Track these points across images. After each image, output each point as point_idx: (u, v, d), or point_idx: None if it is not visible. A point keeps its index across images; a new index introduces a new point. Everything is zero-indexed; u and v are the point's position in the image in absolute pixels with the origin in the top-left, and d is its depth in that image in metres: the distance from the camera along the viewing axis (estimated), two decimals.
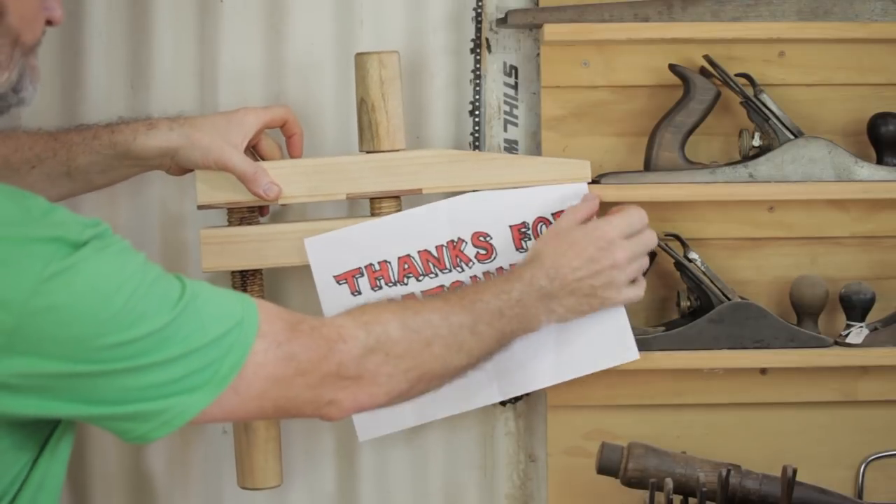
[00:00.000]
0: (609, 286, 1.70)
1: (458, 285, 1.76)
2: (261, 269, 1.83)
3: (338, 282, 1.79)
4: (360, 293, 1.78)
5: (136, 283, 1.31)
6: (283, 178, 1.78)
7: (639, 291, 1.75)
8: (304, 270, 1.81)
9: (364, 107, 1.79)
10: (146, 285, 1.32)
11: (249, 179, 1.75)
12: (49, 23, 1.38)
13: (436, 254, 1.80)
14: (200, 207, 1.80)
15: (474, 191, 1.85)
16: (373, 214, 1.81)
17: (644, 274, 1.76)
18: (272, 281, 1.91)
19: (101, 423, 1.36)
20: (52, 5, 1.38)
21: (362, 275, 1.79)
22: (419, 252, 1.79)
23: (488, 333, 1.60)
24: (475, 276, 1.79)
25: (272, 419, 1.81)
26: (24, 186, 1.67)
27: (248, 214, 1.82)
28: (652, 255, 1.85)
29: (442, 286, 1.79)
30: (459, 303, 1.58)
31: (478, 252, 1.79)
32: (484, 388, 1.81)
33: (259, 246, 1.80)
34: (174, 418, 1.34)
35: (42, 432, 1.38)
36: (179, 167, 1.77)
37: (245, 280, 1.82)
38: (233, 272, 1.83)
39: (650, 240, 1.74)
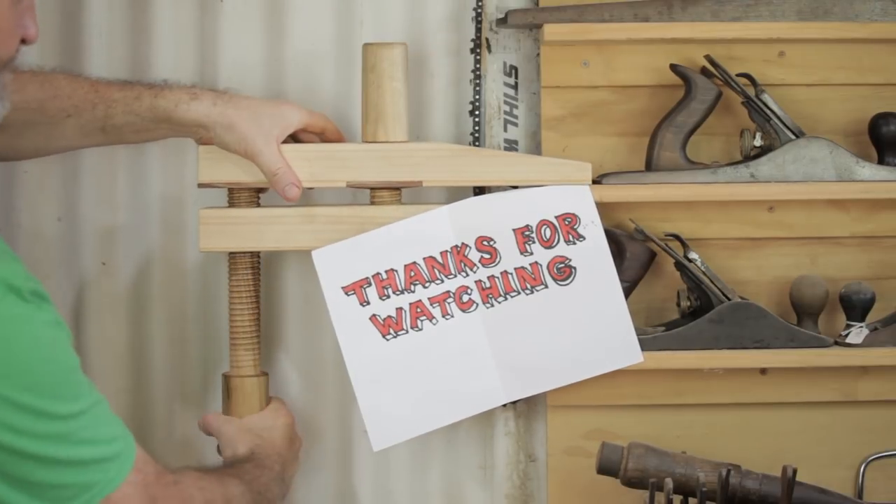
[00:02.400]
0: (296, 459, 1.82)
1: None
2: (258, 252, 1.84)
3: (346, 293, 1.78)
4: (368, 303, 1.78)
5: (64, 359, 1.32)
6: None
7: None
8: (302, 255, 1.81)
9: (368, 97, 1.79)
10: (70, 365, 1.33)
11: (272, 176, 1.76)
12: (23, 41, 1.37)
13: (441, 260, 1.79)
14: (201, 186, 1.80)
15: (474, 186, 1.85)
16: (373, 204, 1.82)
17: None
18: (269, 264, 1.92)
19: None
20: (28, 24, 1.37)
21: (370, 284, 1.78)
22: (424, 259, 1.79)
23: None
24: (479, 282, 1.79)
25: None
26: (56, 135, 1.71)
27: (248, 196, 1.81)
28: (652, 255, 1.85)
29: (448, 292, 1.79)
30: None
31: (482, 256, 1.79)
32: (491, 392, 1.81)
33: (258, 228, 1.80)
34: None
35: None
36: (211, 141, 1.77)
37: (241, 262, 1.82)
38: (230, 253, 1.83)
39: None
